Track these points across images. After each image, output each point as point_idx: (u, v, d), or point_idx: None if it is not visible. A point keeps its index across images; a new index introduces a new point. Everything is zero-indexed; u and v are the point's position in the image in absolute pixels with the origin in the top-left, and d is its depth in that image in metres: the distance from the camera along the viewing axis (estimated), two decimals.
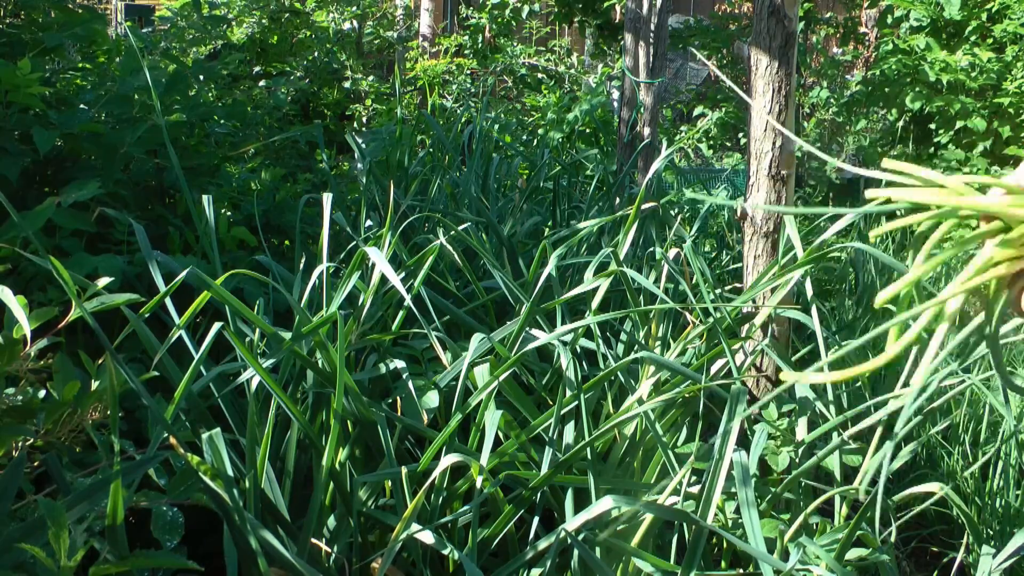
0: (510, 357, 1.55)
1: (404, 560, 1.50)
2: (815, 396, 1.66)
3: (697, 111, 7.60)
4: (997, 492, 2.04)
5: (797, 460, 1.60)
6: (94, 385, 1.21)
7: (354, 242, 2.01)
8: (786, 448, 1.60)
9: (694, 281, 1.83)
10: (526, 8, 7.53)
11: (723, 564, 1.55)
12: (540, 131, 5.75)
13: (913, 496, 1.51)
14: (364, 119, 5.96)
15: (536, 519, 1.47)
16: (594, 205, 2.96)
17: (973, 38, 5.34)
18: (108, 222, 1.92)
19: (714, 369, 1.68)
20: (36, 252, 1.32)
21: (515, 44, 8.43)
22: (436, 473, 1.37)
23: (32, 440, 1.17)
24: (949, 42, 5.50)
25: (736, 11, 7.18)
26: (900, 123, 5.72)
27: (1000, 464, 2.05)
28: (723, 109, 7.06)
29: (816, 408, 1.65)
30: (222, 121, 2.51)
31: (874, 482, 1.44)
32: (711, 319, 1.69)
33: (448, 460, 1.37)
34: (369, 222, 2.24)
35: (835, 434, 1.56)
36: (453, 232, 1.96)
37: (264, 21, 5.34)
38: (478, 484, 1.39)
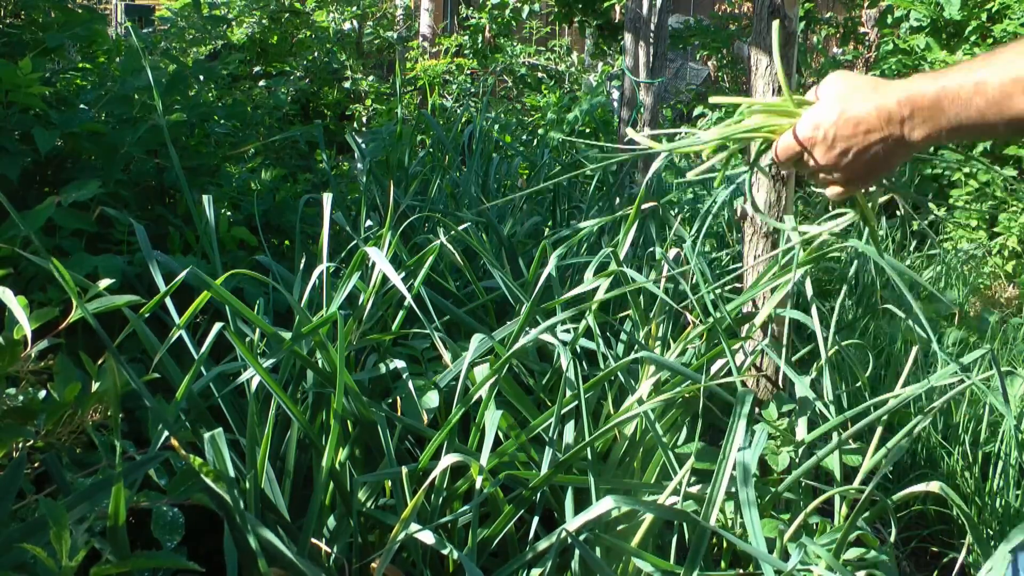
0: (509, 356, 1.55)
1: (404, 560, 1.50)
2: (815, 396, 1.66)
3: (697, 111, 7.59)
4: (997, 492, 2.04)
5: (797, 460, 1.60)
6: (95, 386, 1.21)
7: (354, 242, 2.01)
8: (786, 448, 1.60)
9: (694, 281, 1.83)
10: (526, 8, 7.52)
11: (723, 564, 1.55)
12: (540, 131, 5.74)
13: (913, 496, 1.51)
14: (364, 119, 5.96)
15: (536, 519, 1.47)
16: (594, 205, 2.96)
17: (973, 38, 5.33)
18: (108, 222, 1.92)
19: (714, 369, 1.68)
20: (36, 252, 1.32)
21: (515, 44, 8.43)
22: (436, 473, 1.37)
23: (33, 441, 1.17)
24: (949, 42, 5.50)
25: (736, 11, 7.17)
26: None
27: (1000, 464, 2.06)
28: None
29: (816, 408, 1.65)
30: (222, 121, 2.51)
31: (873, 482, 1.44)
32: (711, 319, 1.69)
33: (448, 460, 1.37)
34: (369, 222, 2.24)
35: (835, 434, 1.56)
36: (453, 232, 1.96)
37: (264, 21, 5.34)
38: (478, 484, 1.39)
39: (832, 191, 0.98)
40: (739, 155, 1.10)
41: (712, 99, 1.18)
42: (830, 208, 1.05)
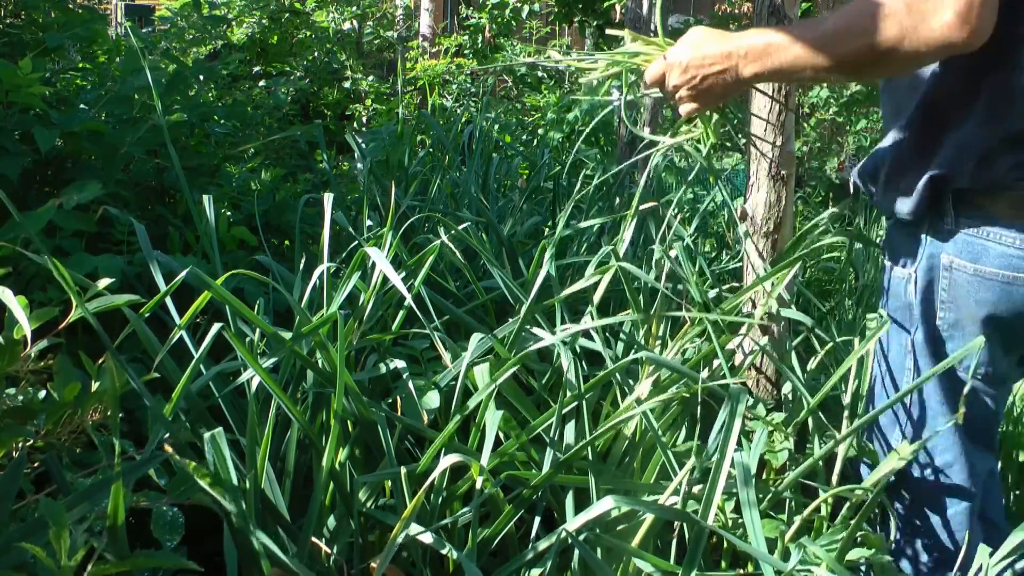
0: (510, 357, 1.55)
1: (404, 560, 1.50)
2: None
3: None
4: None
5: (795, 459, 1.60)
6: (94, 386, 1.20)
7: (355, 242, 2.01)
8: (785, 446, 1.60)
9: (693, 280, 1.82)
10: (526, 8, 7.53)
11: (723, 564, 1.55)
12: (540, 131, 5.74)
13: None
14: (364, 119, 5.96)
15: (537, 519, 1.47)
16: (594, 205, 2.96)
17: None
18: (108, 222, 1.92)
19: (714, 368, 1.68)
20: (37, 252, 1.32)
21: (515, 44, 8.42)
22: (436, 473, 1.37)
23: (33, 441, 1.17)
24: None
25: (736, 11, 7.18)
26: None
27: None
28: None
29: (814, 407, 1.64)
30: (222, 121, 2.51)
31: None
32: (707, 318, 1.69)
33: (448, 460, 1.37)
34: (369, 222, 2.24)
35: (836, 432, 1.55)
36: (453, 232, 1.96)
37: (264, 21, 5.34)
38: (478, 484, 1.39)
39: (684, 108, 1.34)
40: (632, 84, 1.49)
41: (608, 31, 1.79)
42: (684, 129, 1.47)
